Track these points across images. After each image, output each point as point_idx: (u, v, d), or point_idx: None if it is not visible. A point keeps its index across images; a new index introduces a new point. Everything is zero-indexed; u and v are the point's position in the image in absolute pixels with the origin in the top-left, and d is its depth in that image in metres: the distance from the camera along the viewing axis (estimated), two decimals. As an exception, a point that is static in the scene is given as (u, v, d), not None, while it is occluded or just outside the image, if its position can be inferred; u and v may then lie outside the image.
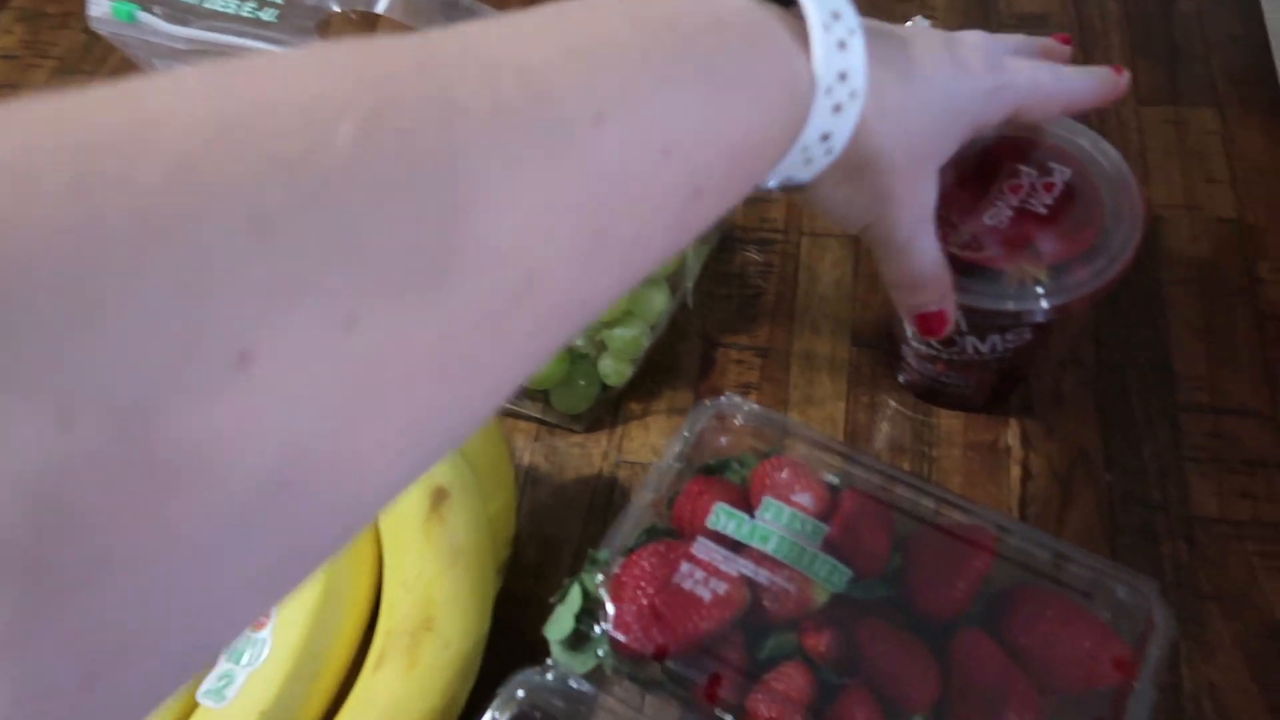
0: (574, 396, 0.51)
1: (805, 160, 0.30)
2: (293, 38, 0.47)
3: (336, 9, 0.51)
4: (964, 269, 0.41)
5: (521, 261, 0.20)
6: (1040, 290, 0.40)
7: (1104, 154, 0.44)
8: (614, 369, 0.51)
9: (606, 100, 0.21)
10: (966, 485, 0.50)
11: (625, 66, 0.22)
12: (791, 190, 0.33)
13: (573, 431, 0.53)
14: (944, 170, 0.36)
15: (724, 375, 0.55)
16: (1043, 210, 0.42)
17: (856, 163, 0.32)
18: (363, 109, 0.18)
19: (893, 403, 0.53)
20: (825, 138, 0.29)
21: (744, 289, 0.58)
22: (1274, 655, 0.45)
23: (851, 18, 0.29)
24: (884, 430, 0.53)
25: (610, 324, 0.50)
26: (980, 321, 0.43)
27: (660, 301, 0.51)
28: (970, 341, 0.45)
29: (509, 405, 0.53)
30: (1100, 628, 0.38)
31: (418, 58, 0.20)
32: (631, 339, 0.50)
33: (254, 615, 0.18)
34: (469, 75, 0.20)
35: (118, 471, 0.14)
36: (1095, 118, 0.64)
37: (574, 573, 0.48)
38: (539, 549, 0.50)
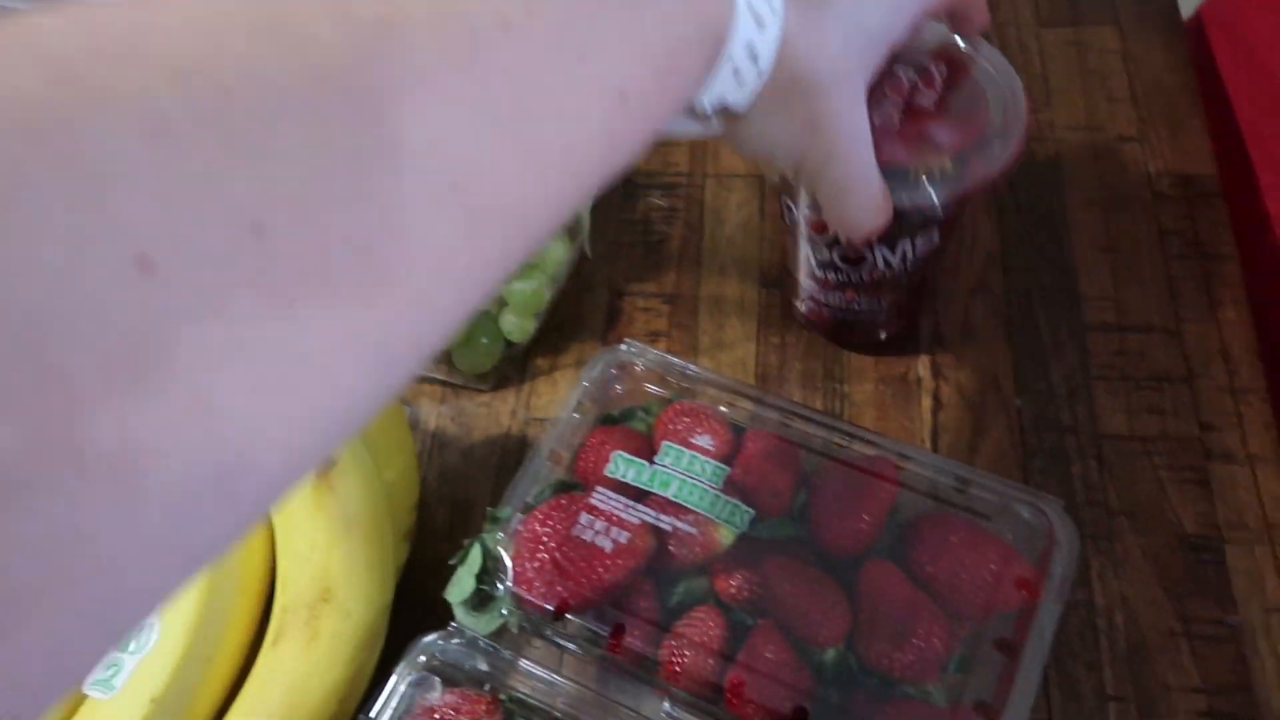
0: (477, 355, 0.50)
1: (736, 78, 0.30)
2: None
3: None
4: None
5: (440, 164, 0.19)
6: (949, 177, 0.40)
7: (973, 46, 0.44)
8: (517, 324, 0.50)
9: (513, 8, 0.21)
10: (880, 419, 0.50)
11: None
12: (728, 120, 0.33)
13: (479, 391, 0.52)
14: None
15: (631, 325, 0.54)
16: (929, 105, 0.41)
17: (786, 84, 0.32)
18: (258, 21, 0.17)
19: (803, 342, 0.53)
20: (752, 53, 0.30)
21: (648, 235, 0.57)
22: (1182, 566, 0.45)
23: None
24: (796, 369, 0.52)
25: (509, 278, 0.49)
26: (891, 227, 0.42)
27: (559, 252, 0.50)
28: (880, 253, 0.44)
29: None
30: (1003, 549, 0.38)
31: None
32: (532, 292, 0.49)
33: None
34: None
35: (12, 381, 0.14)
36: (997, 41, 0.63)
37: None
38: (449, 512, 0.49)
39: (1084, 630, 0.44)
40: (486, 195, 0.20)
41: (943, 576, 0.38)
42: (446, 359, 0.51)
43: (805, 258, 0.47)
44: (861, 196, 0.37)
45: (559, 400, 0.52)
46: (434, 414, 0.52)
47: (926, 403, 0.50)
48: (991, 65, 0.43)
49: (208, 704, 0.38)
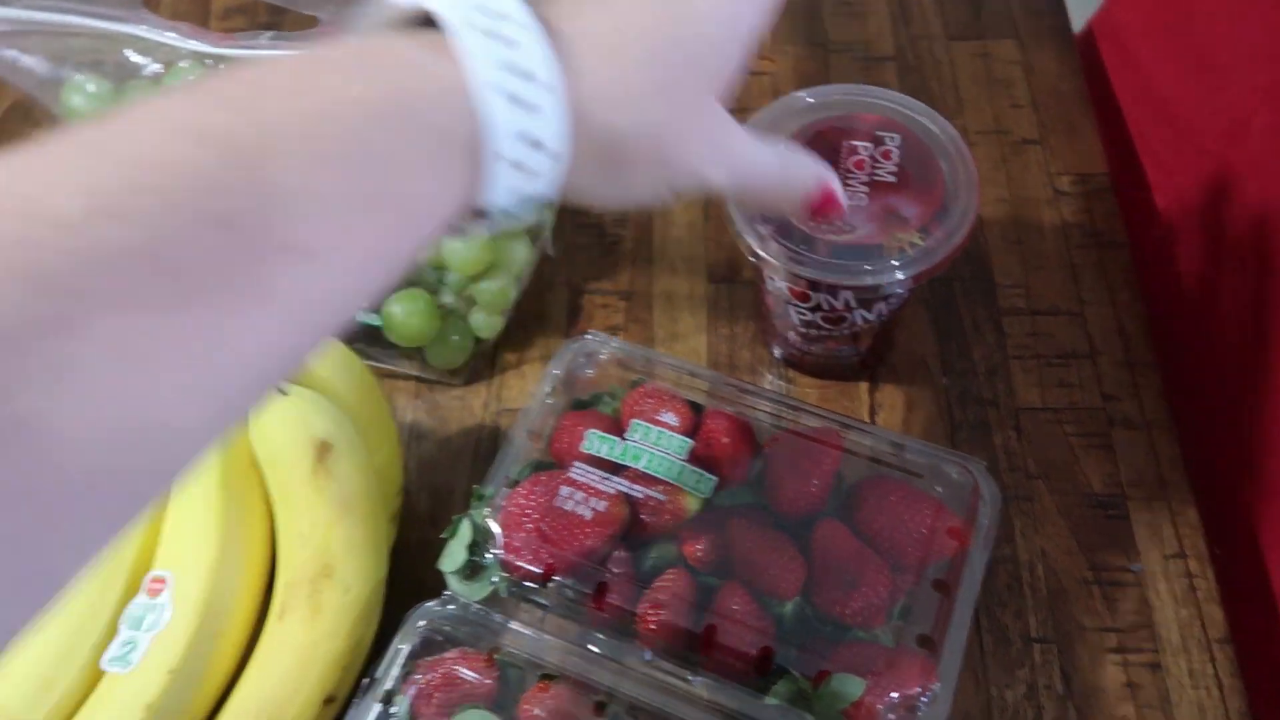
0: (449, 351, 0.54)
1: (521, 172, 0.27)
2: (122, 10, 0.47)
3: None
4: (844, 252, 0.44)
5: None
6: (917, 252, 0.44)
7: (913, 109, 0.49)
8: (485, 322, 0.54)
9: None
10: (823, 400, 0.55)
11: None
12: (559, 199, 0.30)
13: (452, 386, 0.56)
14: None
15: (591, 320, 0.58)
16: (891, 178, 0.45)
17: (603, 150, 0.29)
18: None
19: (750, 333, 0.57)
20: (531, 140, 0.26)
21: (603, 237, 0.61)
22: (1091, 520, 0.51)
23: (519, 13, 0.27)
24: (744, 357, 0.57)
25: (476, 278, 0.52)
26: (868, 296, 0.47)
27: (522, 253, 0.54)
28: (859, 315, 0.48)
29: (386, 365, 0.55)
30: (935, 504, 0.43)
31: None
32: (499, 291, 0.53)
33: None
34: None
35: None
36: (911, 55, 0.69)
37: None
38: (430, 499, 0.52)
39: (1010, 582, 0.49)
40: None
41: (884, 532, 0.43)
42: (420, 356, 0.54)
43: (787, 317, 0.51)
44: (764, 189, 0.36)
45: (528, 391, 0.56)
46: (410, 408, 0.55)
47: (864, 384, 0.55)
48: (934, 124, 0.48)
49: (220, 675, 0.41)
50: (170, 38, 0.49)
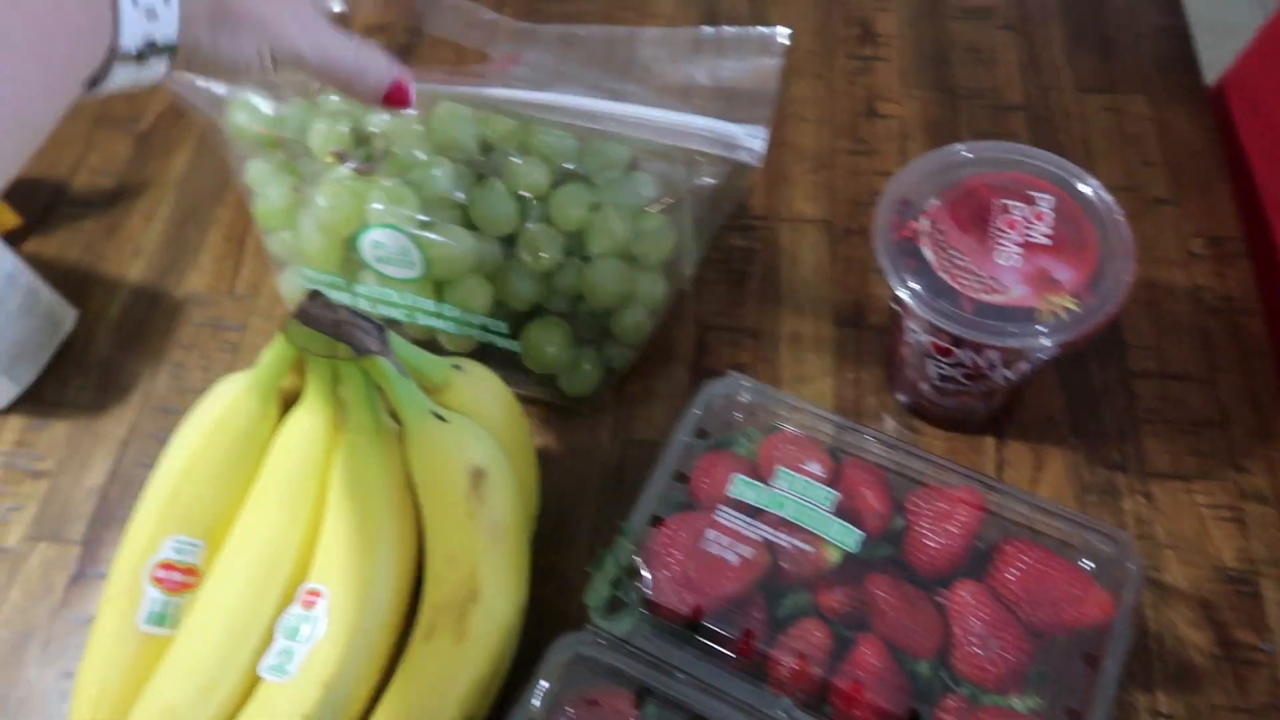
0: (581, 380, 0.54)
1: (148, 17, 0.33)
2: None
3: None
4: (994, 312, 0.45)
5: None
6: (1071, 318, 0.44)
7: (1068, 171, 0.49)
8: (619, 354, 0.54)
9: None
10: (949, 452, 0.55)
11: None
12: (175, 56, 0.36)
13: (580, 414, 0.57)
14: (945, 219, 0.38)
15: (718, 357, 0.59)
16: (1044, 240, 0.46)
17: (213, 5, 0.35)
18: None
19: (875, 379, 0.57)
20: None
21: (730, 274, 0.62)
22: (1222, 597, 0.50)
23: None
24: (871, 403, 0.57)
25: (613, 311, 0.53)
26: (1014, 356, 0.47)
27: (660, 288, 0.54)
28: (1001, 374, 0.48)
29: (520, 390, 0.56)
30: (1079, 573, 0.43)
31: None
32: (636, 324, 0.53)
33: None
34: None
35: None
36: (1041, 105, 0.69)
37: (592, 545, 0.52)
38: (557, 524, 0.53)
39: (1137, 653, 0.49)
40: None
41: (1025, 597, 0.43)
42: (552, 383, 0.55)
43: (923, 369, 0.51)
44: (343, 71, 0.40)
45: (653, 424, 0.56)
46: (539, 434, 0.56)
47: (991, 439, 0.55)
48: (1088, 188, 0.48)
49: (366, 689, 0.42)
50: None
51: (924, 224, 0.47)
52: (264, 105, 0.51)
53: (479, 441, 0.43)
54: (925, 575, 0.44)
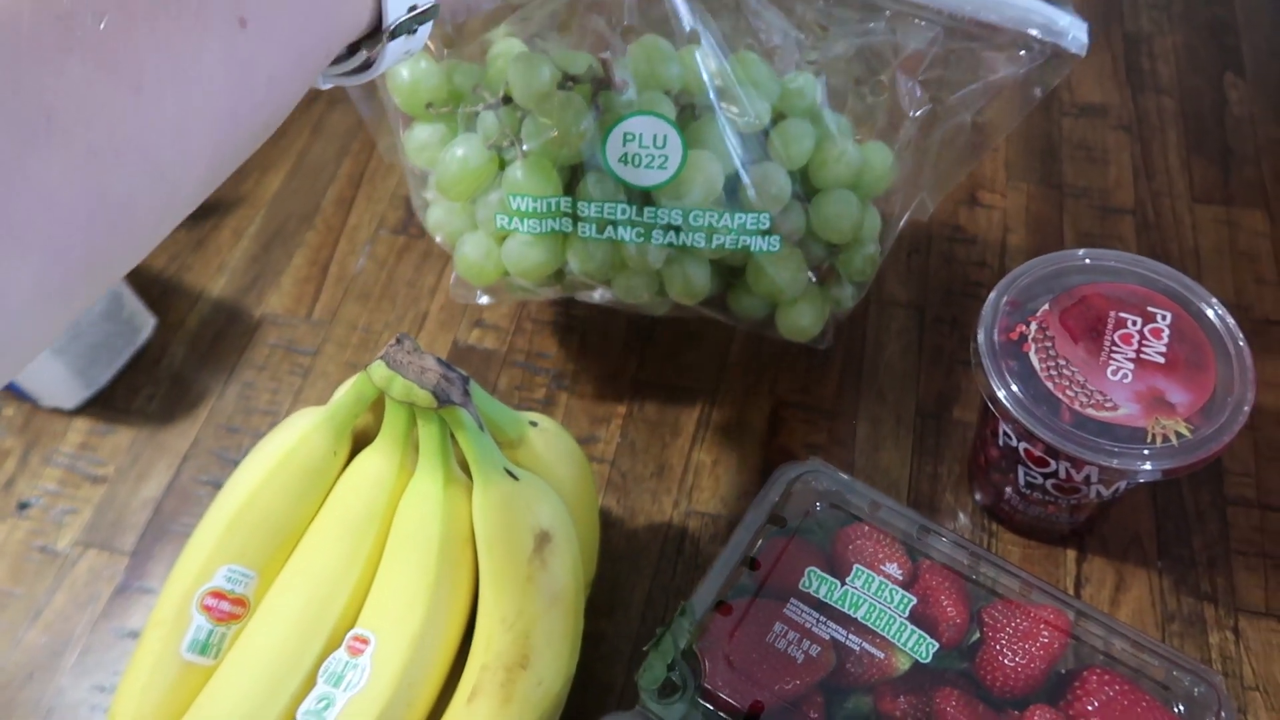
0: (809, 316, 0.54)
1: None
2: None
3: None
4: (1103, 428, 0.43)
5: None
6: (1183, 444, 0.42)
7: (1190, 289, 0.46)
8: (845, 293, 0.54)
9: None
10: (1025, 561, 0.52)
11: None
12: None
13: (644, 478, 0.55)
14: (1055, 326, 0.37)
15: (792, 434, 0.57)
16: (1159, 359, 0.43)
17: None
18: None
19: (954, 475, 0.55)
20: None
21: (811, 351, 0.60)
22: (1314, 749, 0.47)
23: None
24: (946, 500, 0.55)
25: (846, 247, 0.52)
26: (1114, 476, 0.44)
27: (878, 221, 0.53)
28: (1094, 490, 0.46)
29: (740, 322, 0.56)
30: (1165, 713, 0.40)
31: None
32: (866, 259, 0.53)
33: None
34: None
35: None
36: (1152, 211, 0.66)
37: (644, 615, 0.50)
38: (610, 591, 0.51)
39: (1215, 799, 0.45)
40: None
41: (1104, 731, 0.40)
42: (769, 325, 0.55)
43: (1010, 474, 0.49)
44: None
45: (719, 496, 0.55)
46: (600, 495, 0.54)
47: (1071, 552, 0.52)
48: (1210, 309, 0.45)
49: (403, 748, 0.40)
50: None
51: (1032, 328, 0.45)
52: (431, 64, 0.50)
53: (548, 503, 0.42)
54: (998, 694, 0.41)
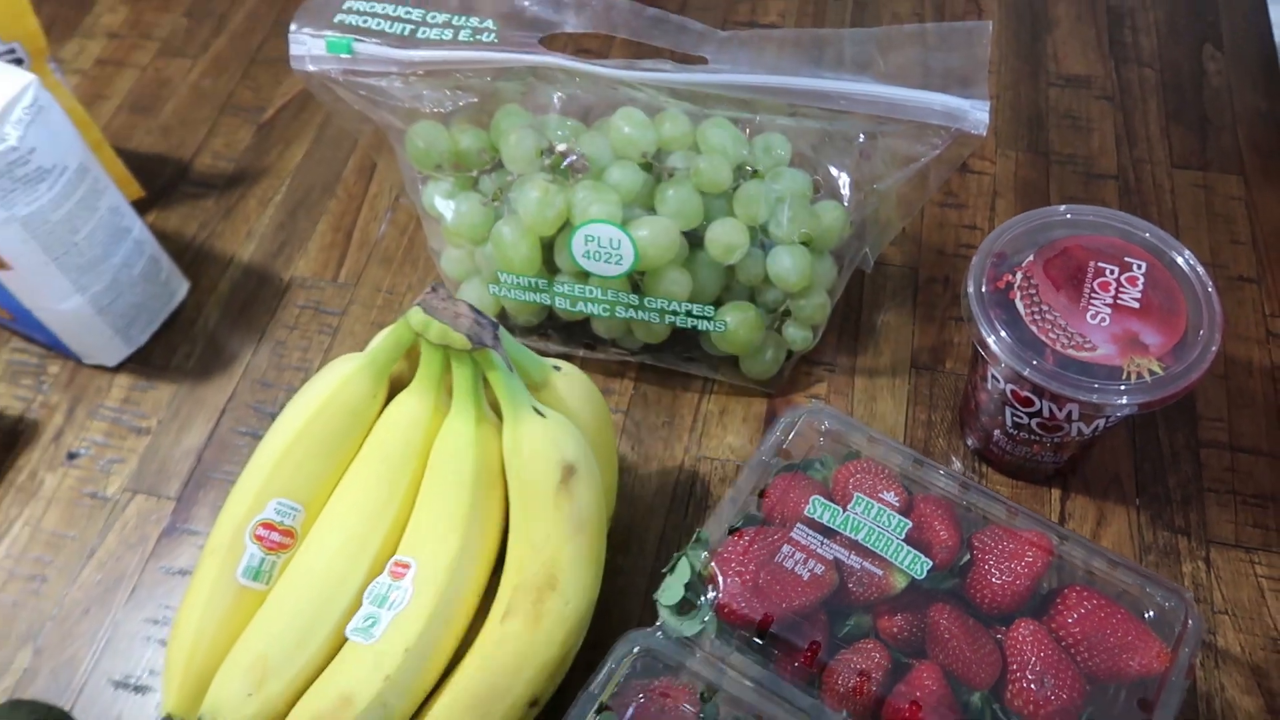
0: (765, 363, 0.59)
1: None
2: (517, 53, 0.52)
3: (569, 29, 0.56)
4: (1083, 368, 0.47)
5: None
6: (1155, 380, 0.46)
7: (1164, 242, 0.50)
8: (800, 335, 0.58)
9: None
10: (1012, 499, 0.56)
11: None
12: None
13: (656, 426, 0.59)
14: (1039, 275, 0.40)
15: (795, 386, 0.61)
16: (1135, 304, 0.47)
17: None
18: None
19: (946, 422, 0.59)
20: None
21: (813, 308, 0.64)
22: (1275, 665, 0.51)
23: None
24: (939, 445, 0.58)
25: (796, 295, 0.57)
26: (1093, 411, 0.48)
27: (833, 272, 0.58)
28: (1076, 427, 0.50)
29: (695, 371, 0.61)
30: (1141, 626, 0.44)
31: None
32: (817, 307, 0.57)
33: None
34: None
35: None
36: (1133, 177, 0.70)
37: (658, 551, 0.54)
38: (627, 527, 0.55)
39: (1186, 713, 0.49)
40: None
41: (1083, 641, 0.44)
42: (732, 366, 0.60)
43: (998, 416, 0.53)
44: None
45: (727, 443, 0.58)
46: (619, 442, 0.58)
47: (1056, 490, 0.56)
48: (1183, 260, 0.49)
49: (442, 660, 0.44)
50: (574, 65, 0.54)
51: (1018, 278, 0.49)
52: (441, 131, 0.55)
53: (573, 439, 0.46)
54: (987, 611, 0.45)
